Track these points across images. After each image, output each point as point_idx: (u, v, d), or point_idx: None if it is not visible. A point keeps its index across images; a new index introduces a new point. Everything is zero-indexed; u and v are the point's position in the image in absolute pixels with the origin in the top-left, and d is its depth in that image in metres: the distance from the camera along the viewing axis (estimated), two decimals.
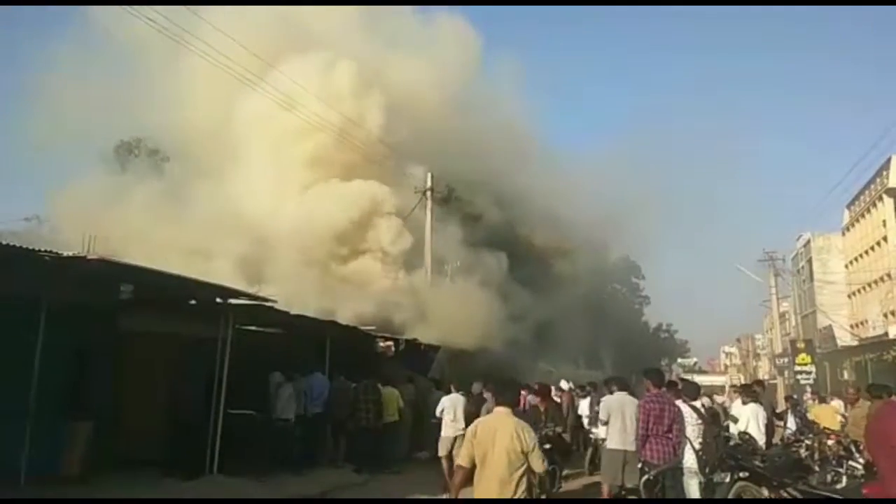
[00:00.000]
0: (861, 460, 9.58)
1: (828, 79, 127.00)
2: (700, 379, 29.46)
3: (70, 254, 7.90)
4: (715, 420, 10.11)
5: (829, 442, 11.21)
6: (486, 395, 11.62)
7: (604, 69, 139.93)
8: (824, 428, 12.54)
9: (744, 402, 11.18)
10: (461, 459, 4.97)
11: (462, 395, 12.16)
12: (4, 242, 7.78)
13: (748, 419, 10.26)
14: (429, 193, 23.14)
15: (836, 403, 16.63)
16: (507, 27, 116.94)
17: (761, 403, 11.25)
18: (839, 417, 13.73)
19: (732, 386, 14.39)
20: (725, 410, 12.67)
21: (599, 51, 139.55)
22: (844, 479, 9.34)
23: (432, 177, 23.29)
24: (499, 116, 31.76)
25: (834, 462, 9.99)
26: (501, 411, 5.10)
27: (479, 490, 4.84)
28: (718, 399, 13.08)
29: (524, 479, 4.78)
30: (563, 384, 15.09)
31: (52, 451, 8.76)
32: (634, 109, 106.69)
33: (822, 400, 16.72)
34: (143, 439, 10.28)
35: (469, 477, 4.90)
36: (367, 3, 23.30)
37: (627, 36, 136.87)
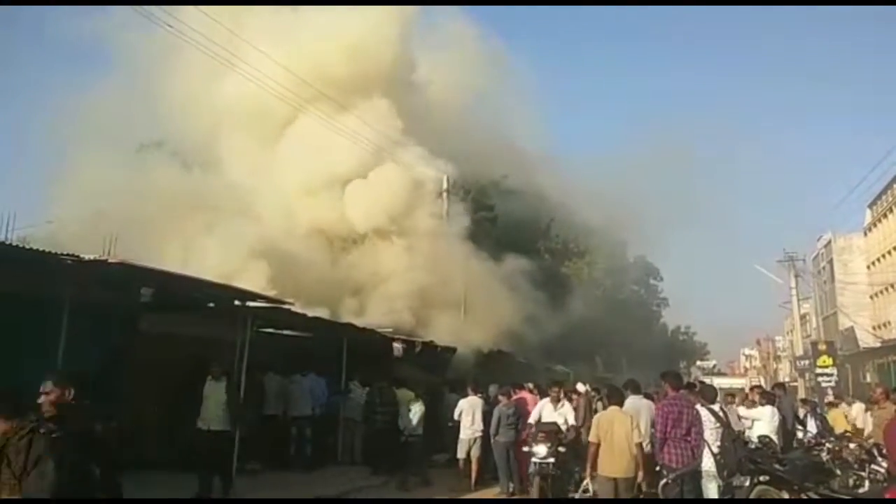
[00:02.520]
0: (884, 464, 9.43)
1: (849, 77, 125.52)
2: (719, 381, 29.22)
3: (91, 257, 8.01)
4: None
5: (851, 445, 11.06)
6: (501, 398, 11.69)
7: (621, 67, 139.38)
8: (845, 431, 12.41)
9: (761, 404, 11.09)
10: (593, 438, 7.57)
11: (480, 397, 12.18)
12: (27, 246, 7.92)
13: (763, 422, 10.20)
14: (445, 195, 23.21)
15: (858, 406, 16.42)
16: (521, 29, 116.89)
17: (777, 406, 11.15)
18: (853, 420, 13.80)
19: (752, 388, 14.20)
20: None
21: (616, 49, 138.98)
22: (867, 483, 9.21)
23: (448, 179, 23.32)
24: (514, 120, 31.73)
25: (856, 466, 9.84)
26: (614, 408, 7.91)
27: (605, 457, 7.35)
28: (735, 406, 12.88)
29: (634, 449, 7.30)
30: (580, 386, 15.01)
31: None
32: (653, 109, 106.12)
33: (833, 405, 16.56)
34: (164, 441, 10.38)
35: (598, 449, 7.41)
36: (373, 4, 23.28)
37: (645, 33, 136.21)
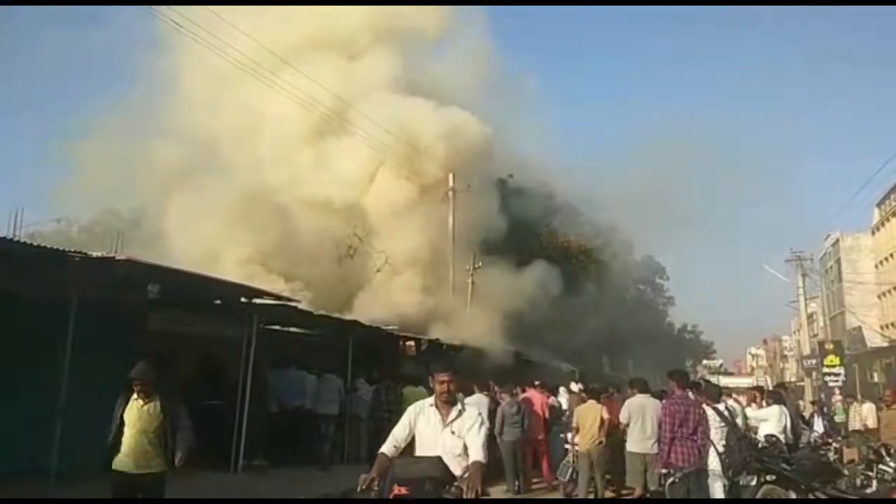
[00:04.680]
0: (892, 464, 9.39)
1: (855, 74, 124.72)
2: (726, 381, 29.14)
3: (98, 254, 8.05)
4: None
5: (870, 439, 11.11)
6: (503, 396, 11.73)
7: (627, 65, 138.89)
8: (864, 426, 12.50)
9: (768, 404, 11.07)
10: (574, 425, 10.34)
11: (486, 395, 12.18)
12: (35, 244, 7.96)
13: (771, 421, 10.17)
14: (451, 194, 23.24)
15: (868, 406, 16.39)
16: (522, 23, 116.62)
17: (785, 405, 11.13)
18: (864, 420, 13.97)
19: (752, 388, 14.24)
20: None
21: (622, 46, 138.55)
22: (875, 483, 9.16)
23: (454, 177, 23.34)
24: (519, 119, 31.68)
25: (863, 466, 9.80)
26: (592, 402, 10.35)
27: (583, 437, 10.00)
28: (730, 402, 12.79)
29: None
30: (574, 386, 15.00)
31: (82, 450, 8.86)
32: (659, 106, 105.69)
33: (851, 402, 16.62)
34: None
35: (577, 433, 10.18)
36: (373, 4, 23.47)
37: (651, 32, 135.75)
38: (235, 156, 22.32)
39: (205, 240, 17.26)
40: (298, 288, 16.49)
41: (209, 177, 20.34)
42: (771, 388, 15.38)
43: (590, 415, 10.11)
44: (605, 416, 10.01)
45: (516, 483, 11.11)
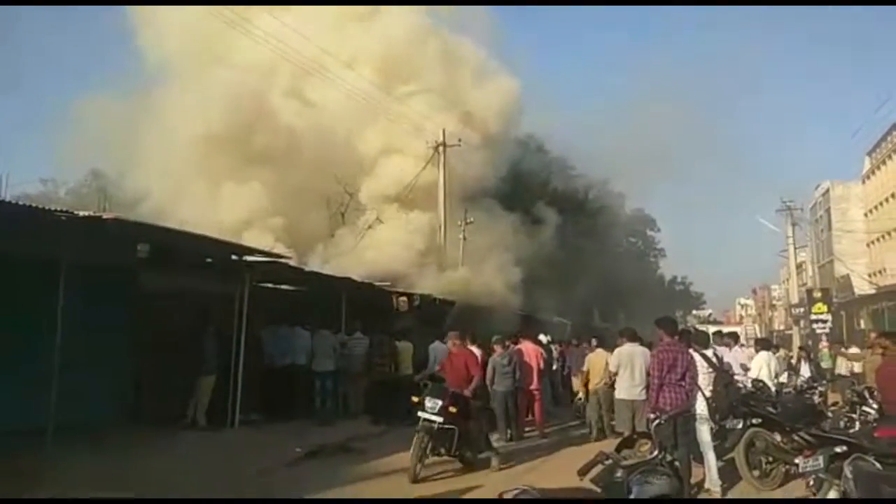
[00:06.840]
0: (874, 405, 9.59)
1: (847, 21, 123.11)
2: (714, 330, 29.55)
3: (86, 213, 7.97)
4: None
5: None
6: (496, 347, 11.91)
7: (618, 12, 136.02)
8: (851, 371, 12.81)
9: (756, 351, 11.27)
10: (584, 369, 12.36)
11: (477, 347, 12.30)
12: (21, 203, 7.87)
13: (760, 367, 10.35)
14: (441, 149, 23.07)
15: (854, 351, 16.71)
16: None
17: (776, 351, 11.36)
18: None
19: (717, 332, 14.32)
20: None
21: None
22: (857, 424, 9.38)
23: (444, 132, 23.16)
24: (508, 67, 31.34)
25: (846, 408, 10.01)
26: (600, 350, 12.28)
27: (593, 379, 11.93)
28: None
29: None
30: (542, 338, 15.12)
31: (77, 408, 8.93)
32: (649, 56, 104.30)
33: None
34: (166, 396, 10.52)
35: (588, 375, 12.16)
36: (371, 3, 23.41)
37: None
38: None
39: (172, 173, 17.37)
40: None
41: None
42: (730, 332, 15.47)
43: (599, 362, 11.78)
44: (611, 368, 10.79)
45: (508, 431, 11.33)
